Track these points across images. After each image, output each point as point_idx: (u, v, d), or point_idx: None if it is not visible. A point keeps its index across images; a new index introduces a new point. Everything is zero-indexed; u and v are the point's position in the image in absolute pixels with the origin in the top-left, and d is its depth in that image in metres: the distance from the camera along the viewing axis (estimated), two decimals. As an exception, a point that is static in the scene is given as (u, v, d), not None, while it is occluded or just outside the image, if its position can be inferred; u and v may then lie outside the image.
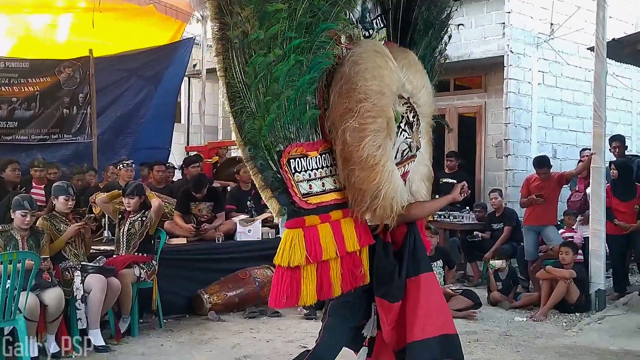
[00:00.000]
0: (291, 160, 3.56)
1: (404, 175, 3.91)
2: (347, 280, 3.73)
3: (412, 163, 3.98)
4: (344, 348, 4.12)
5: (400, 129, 3.84)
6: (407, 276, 3.86)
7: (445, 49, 4.61)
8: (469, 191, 3.99)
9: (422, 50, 4.37)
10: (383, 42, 4.15)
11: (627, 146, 9.31)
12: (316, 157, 3.70)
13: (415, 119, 3.94)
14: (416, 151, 3.97)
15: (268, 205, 3.62)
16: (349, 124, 3.59)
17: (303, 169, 3.62)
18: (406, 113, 3.90)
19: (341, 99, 3.66)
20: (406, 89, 3.92)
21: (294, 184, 3.55)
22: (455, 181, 10.15)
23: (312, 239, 3.54)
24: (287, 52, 3.46)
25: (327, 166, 3.76)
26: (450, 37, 4.60)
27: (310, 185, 3.64)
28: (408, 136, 3.89)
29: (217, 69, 3.51)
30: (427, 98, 4.07)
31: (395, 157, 3.83)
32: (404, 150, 3.88)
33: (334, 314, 4.04)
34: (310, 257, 3.52)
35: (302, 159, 3.62)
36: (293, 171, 3.56)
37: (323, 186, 3.70)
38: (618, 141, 9.03)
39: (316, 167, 3.70)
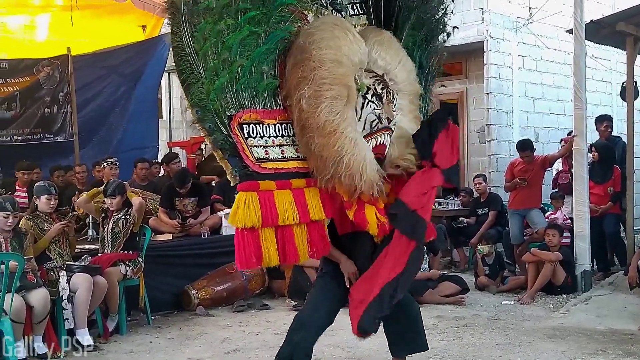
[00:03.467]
0: (244, 126, 3.62)
1: (378, 148, 3.89)
2: (318, 246, 3.80)
3: (387, 136, 3.94)
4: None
5: (367, 100, 3.84)
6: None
7: (442, 45, 4.64)
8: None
9: (408, 39, 4.36)
10: (363, 27, 4.20)
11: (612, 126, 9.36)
12: (275, 125, 3.75)
13: (384, 92, 3.92)
14: (388, 123, 3.93)
15: (222, 165, 3.70)
16: (303, 91, 3.62)
17: (259, 135, 3.67)
18: (373, 85, 3.89)
19: (296, 68, 3.69)
20: (378, 65, 3.95)
21: (245, 148, 3.60)
22: None
23: (267, 203, 3.58)
24: (242, 22, 3.57)
25: (288, 135, 3.80)
26: (449, 35, 4.64)
27: (266, 151, 3.68)
28: (376, 107, 3.87)
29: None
30: (405, 75, 4.07)
31: (364, 129, 3.83)
32: (372, 122, 3.86)
33: (315, 284, 4.24)
34: (265, 219, 3.55)
35: (257, 125, 3.67)
36: (246, 136, 3.62)
37: (282, 154, 3.75)
38: (608, 121, 9.06)
39: (274, 135, 3.74)
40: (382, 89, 3.92)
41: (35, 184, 6.43)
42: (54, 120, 10.14)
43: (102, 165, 8.41)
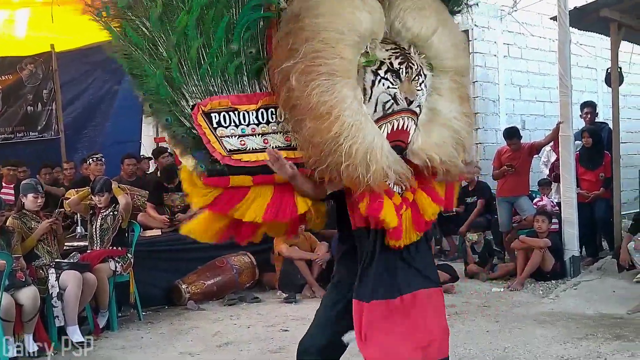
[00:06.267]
0: (213, 115, 3.18)
1: (397, 134, 3.23)
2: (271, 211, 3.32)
3: (410, 120, 3.26)
4: None
5: (379, 77, 3.20)
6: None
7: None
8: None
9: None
10: None
11: (597, 112, 9.41)
12: (256, 111, 3.25)
13: (403, 67, 3.22)
14: (409, 105, 3.23)
15: (182, 161, 3.31)
16: (293, 66, 3.08)
17: (232, 124, 3.22)
18: (389, 59, 3.23)
19: (286, 39, 3.15)
20: (402, 36, 3.31)
21: (214, 140, 3.19)
22: None
23: (227, 201, 3.22)
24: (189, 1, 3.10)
25: (275, 122, 3.28)
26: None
27: (242, 141, 3.23)
28: (391, 86, 3.20)
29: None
30: (444, 48, 3.38)
31: (375, 111, 3.21)
32: (385, 102, 3.20)
33: (323, 297, 3.61)
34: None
35: (230, 113, 3.21)
36: (215, 126, 3.19)
37: (265, 143, 3.25)
38: (590, 107, 9.14)
39: (255, 122, 3.25)
40: (400, 63, 3.23)
41: (22, 182, 6.39)
42: (38, 118, 10.11)
43: (88, 162, 8.38)
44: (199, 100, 3.18)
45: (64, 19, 9.39)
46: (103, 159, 8.27)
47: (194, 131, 3.19)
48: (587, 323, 5.83)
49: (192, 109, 3.17)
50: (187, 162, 3.27)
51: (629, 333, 5.44)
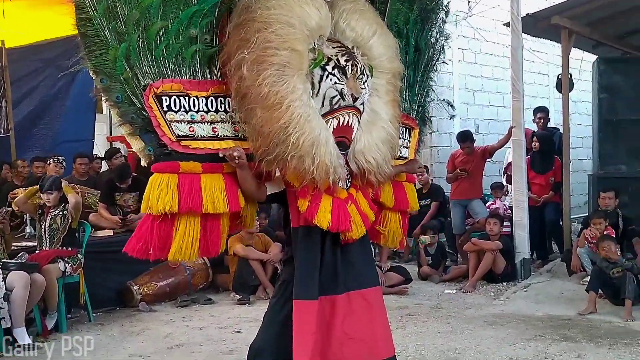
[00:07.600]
0: (163, 98, 3.18)
1: (342, 130, 3.33)
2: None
3: (354, 117, 3.37)
4: None
5: (326, 72, 3.28)
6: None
7: (442, 25, 4.38)
8: None
9: (398, 15, 3.98)
10: None
11: (549, 118, 9.59)
12: (206, 98, 3.30)
13: (349, 64, 3.32)
14: (354, 101, 3.34)
15: (130, 142, 3.30)
16: (244, 55, 3.13)
17: (182, 109, 3.23)
18: (336, 56, 3.32)
19: (238, 29, 3.22)
20: (347, 35, 3.43)
21: (163, 123, 3.18)
22: None
23: (189, 188, 3.16)
24: None
25: (224, 111, 3.34)
26: (447, 13, 4.39)
27: (191, 127, 3.24)
28: (338, 82, 3.29)
29: None
30: (382, 50, 3.51)
31: (323, 106, 3.29)
32: (332, 97, 3.29)
33: (271, 299, 3.60)
34: (183, 205, 3.14)
35: (181, 97, 3.23)
36: (165, 109, 3.18)
37: (214, 131, 3.30)
38: (542, 112, 9.31)
39: (205, 110, 3.29)
40: (346, 61, 3.33)
41: (-32, 181, 6.24)
42: (-15, 115, 9.86)
43: (48, 162, 8.19)
44: (152, 82, 3.18)
45: (15, 14, 9.21)
46: (64, 162, 8.10)
47: (144, 112, 3.18)
48: (536, 324, 5.93)
49: (144, 89, 3.16)
50: (135, 145, 3.27)
51: (576, 334, 5.55)
